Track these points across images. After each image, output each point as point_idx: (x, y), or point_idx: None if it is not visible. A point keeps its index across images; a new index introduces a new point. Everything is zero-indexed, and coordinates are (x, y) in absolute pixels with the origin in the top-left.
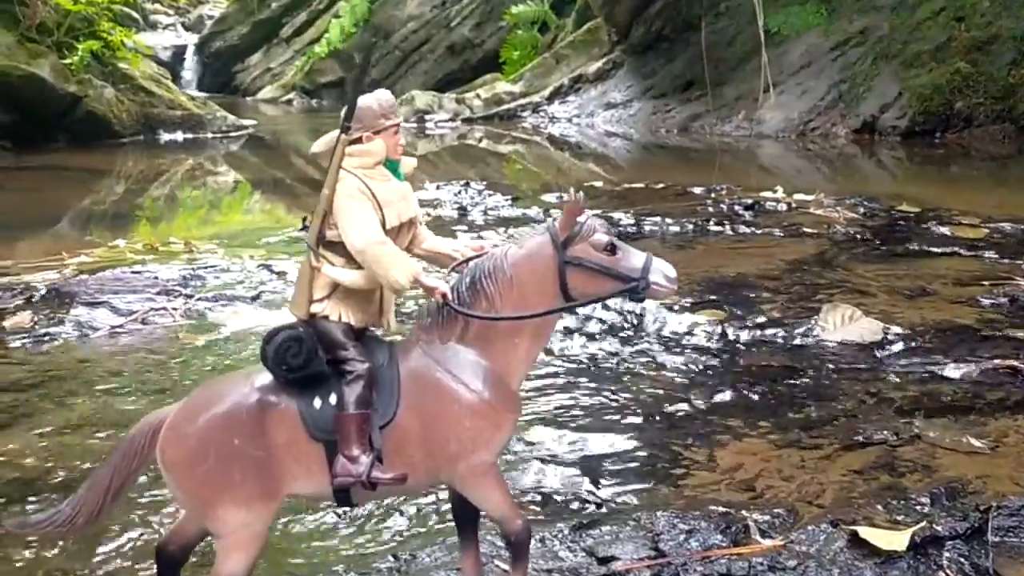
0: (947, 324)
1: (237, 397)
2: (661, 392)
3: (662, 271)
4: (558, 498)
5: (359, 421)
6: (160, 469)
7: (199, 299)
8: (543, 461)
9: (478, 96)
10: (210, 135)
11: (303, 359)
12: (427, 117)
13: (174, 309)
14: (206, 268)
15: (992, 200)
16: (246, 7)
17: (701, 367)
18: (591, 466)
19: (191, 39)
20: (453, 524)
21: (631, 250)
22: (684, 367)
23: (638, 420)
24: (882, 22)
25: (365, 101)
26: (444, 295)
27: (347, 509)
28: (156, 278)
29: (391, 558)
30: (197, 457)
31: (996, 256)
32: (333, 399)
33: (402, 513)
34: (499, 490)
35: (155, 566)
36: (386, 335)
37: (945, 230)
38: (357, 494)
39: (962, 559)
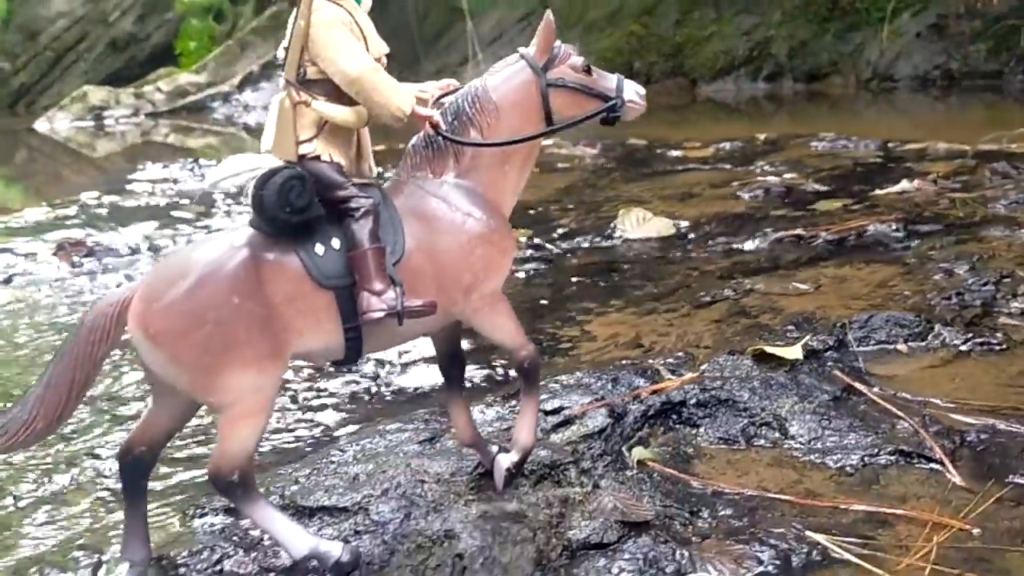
0: (724, 214)
1: (224, 255)
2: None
3: (634, 89)
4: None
5: (377, 255)
6: (140, 348)
7: None
8: (428, 362)
9: (159, 89)
10: None
11: (307, 199)
12: (105, 114)
13: None
14: None
15: (699, 132)
16: None
17: (532, 271)
18: (485, 357)
19: None
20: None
21: (603, 72)
22: (519, 273)
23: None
24: None
25: None
26: (437, 124)
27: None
28: None
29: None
30: (193, 322)
31: (730, 166)
32: (336, 243)
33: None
34: (511, 318)
35: (119, 474)
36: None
37: (677, 153)
38: (370, 338)
39: (840, 364)
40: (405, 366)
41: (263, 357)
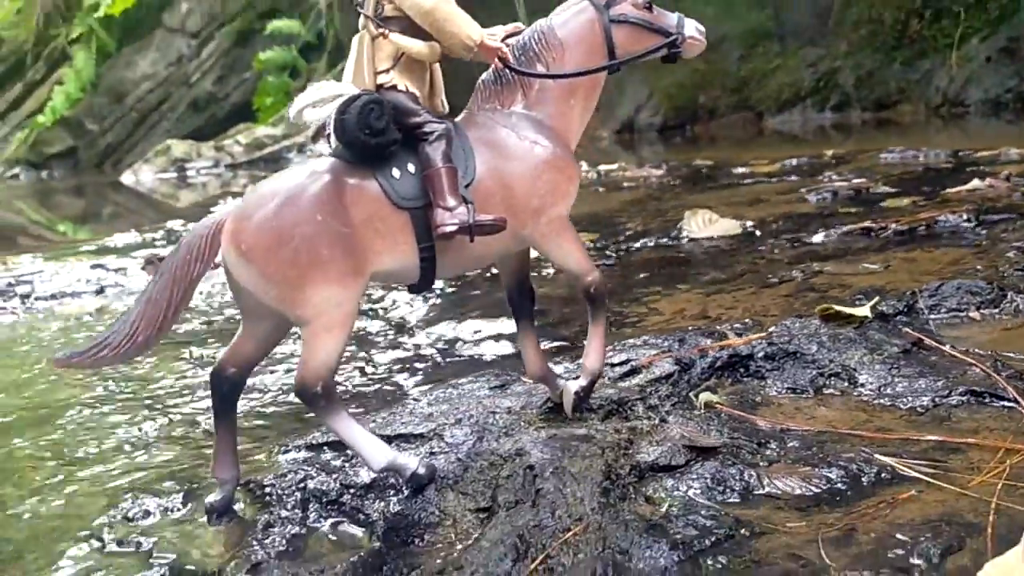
0: (792, 214)
1: (309, 180)
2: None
3: (695, 25)
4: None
5: (450, 174)
6: (232, 265)
7: (37, 298)
8: (499, 338)
9: (238, 142)
10: None
11: (385, 121)
12: (187, 166)
13: (14, 309)
14: (31, 275)
15: (765, 153)
16: None
17: (602, 266)
18: (556, 332)
19: None
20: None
21: (664, 11)
22: None
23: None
24: None
25: None
26: (506, 57)
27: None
28: None
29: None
30: (281, 238)
31: (797, 177)
32: (411, 167)
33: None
34: (577, 243)
35: (211, 394)
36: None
37: (744, 169)
38: (443, 259)
39: (911, 327)
40: (477, 342)
41: (345, 273)
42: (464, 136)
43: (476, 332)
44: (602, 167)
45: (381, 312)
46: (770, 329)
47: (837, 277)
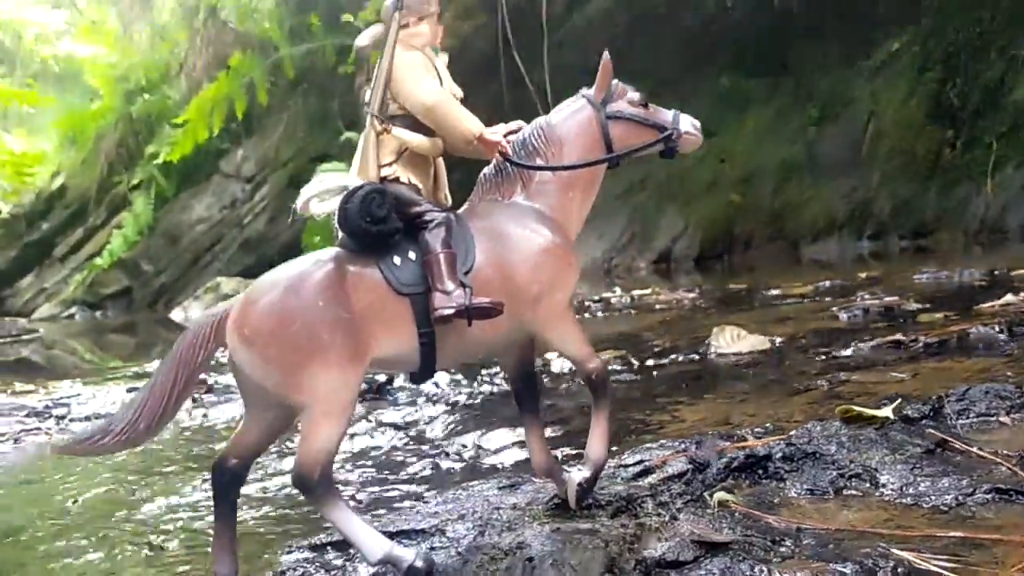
0: (821, 330)
1: (312, 268)
2: None
3: (691, 121)
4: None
5: (448, 259)
6: (235, 352)
7: (72, 420)
8: (520, 446)
9: None
10: None
11: (386, 210)
12: None
13: (48, 430)
14: (69, 398)
15: (799, 279)
16: (14, 231)
17: (627, 379)
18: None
19: None
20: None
21: (660, 107)
22: (615, 380)
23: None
24: (658, 170)
25: None
26: (505, 151)
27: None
28: (23, 405)
29: None
30: (283, 322)
31: (830, 298)
32: (412, 255)
33: None
34: (577, 330)
35: (212, 486)
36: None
37: (777, 291)
38: (443, 345)
39: (936, 430)
40: (499, 451)
41: (345, 358)
42: (465, 225)
43: (499, 442)
44: (636, 292)
45: (408, 428)
46: (790, 433)
47: (864, 386)
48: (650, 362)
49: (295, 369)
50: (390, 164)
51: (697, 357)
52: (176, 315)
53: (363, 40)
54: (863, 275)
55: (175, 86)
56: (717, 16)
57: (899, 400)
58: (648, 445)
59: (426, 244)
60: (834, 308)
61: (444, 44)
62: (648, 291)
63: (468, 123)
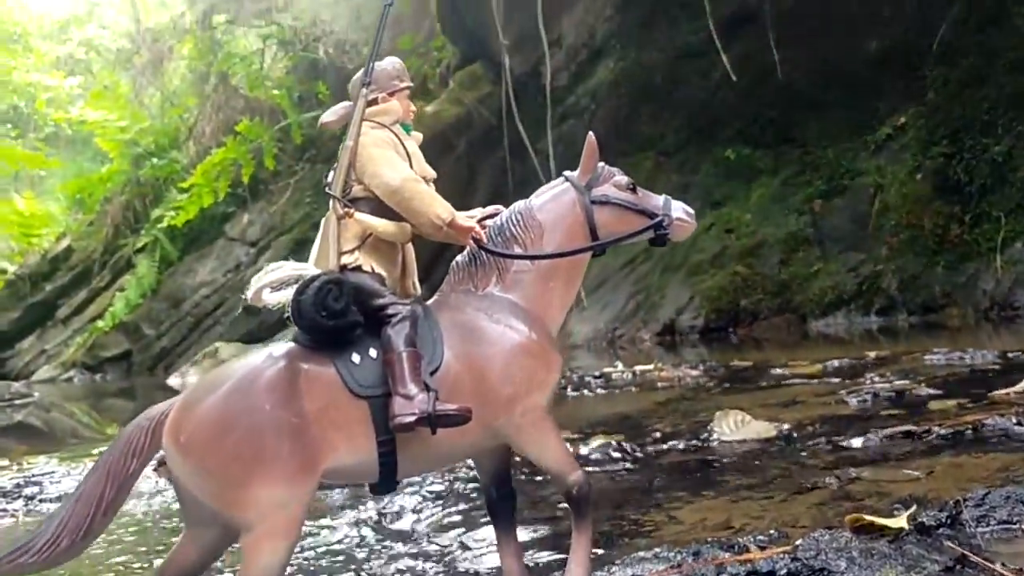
0: (829, 416)
1: (262, 365)
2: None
3: (683, 207)
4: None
5: (412, 358)
6: (171, 460)
7: (41, 500)
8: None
9: None
10: None
11: (344, 303)
12: None
13: (15, 511)
14: (42, 475)
15: (807, 355)
16: (18, 292)
17: (620, 471)
18: (561, 544)
19: None
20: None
21: (649, 192)
22: (608, 475)
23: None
24: None
25: (380, 65)
26: (480, 238)
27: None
28: None
29: None
30: (223, 429)
31: (838, 380)
32: (373, 353)
33: None
34: (556, 437)
35: None
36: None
37: (783, 371)
38: (405, 454)
39: (954, 540)
40: (480, 554)
41: (293, 470)
42: (433, 319)
43: (483, 541)
44: (638, 367)
45: (384, 520)
46: (797, 543)
47: (875, 484)
48: (649, 449)
49: (235, 482)
50: (352, 251)
51: (699, 444)
52: (173, 381)
53: (329, 117)
54: (872, 354)
55: (184, 151)
56: (722, 87)
57: (914, 507)
58: (642, 554)
59: (388, 341)
60: (842, 392)
61: (413, 121)
62: (651, 366)
63: (437, 207)
